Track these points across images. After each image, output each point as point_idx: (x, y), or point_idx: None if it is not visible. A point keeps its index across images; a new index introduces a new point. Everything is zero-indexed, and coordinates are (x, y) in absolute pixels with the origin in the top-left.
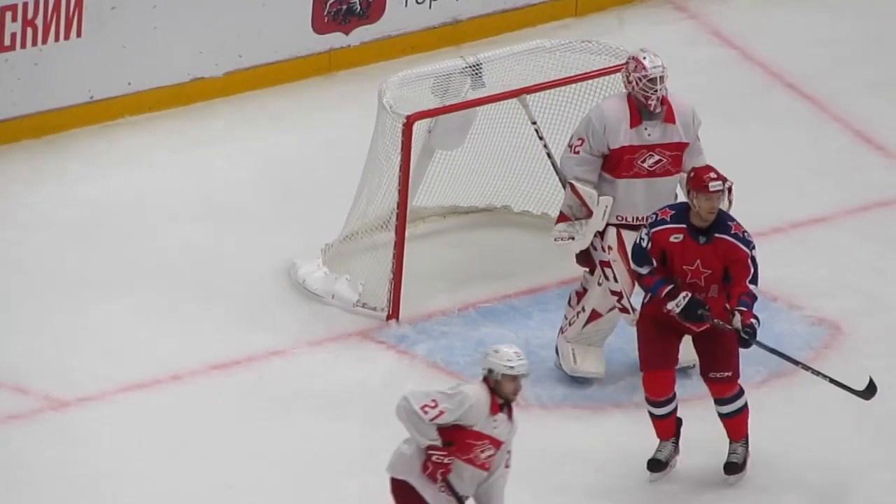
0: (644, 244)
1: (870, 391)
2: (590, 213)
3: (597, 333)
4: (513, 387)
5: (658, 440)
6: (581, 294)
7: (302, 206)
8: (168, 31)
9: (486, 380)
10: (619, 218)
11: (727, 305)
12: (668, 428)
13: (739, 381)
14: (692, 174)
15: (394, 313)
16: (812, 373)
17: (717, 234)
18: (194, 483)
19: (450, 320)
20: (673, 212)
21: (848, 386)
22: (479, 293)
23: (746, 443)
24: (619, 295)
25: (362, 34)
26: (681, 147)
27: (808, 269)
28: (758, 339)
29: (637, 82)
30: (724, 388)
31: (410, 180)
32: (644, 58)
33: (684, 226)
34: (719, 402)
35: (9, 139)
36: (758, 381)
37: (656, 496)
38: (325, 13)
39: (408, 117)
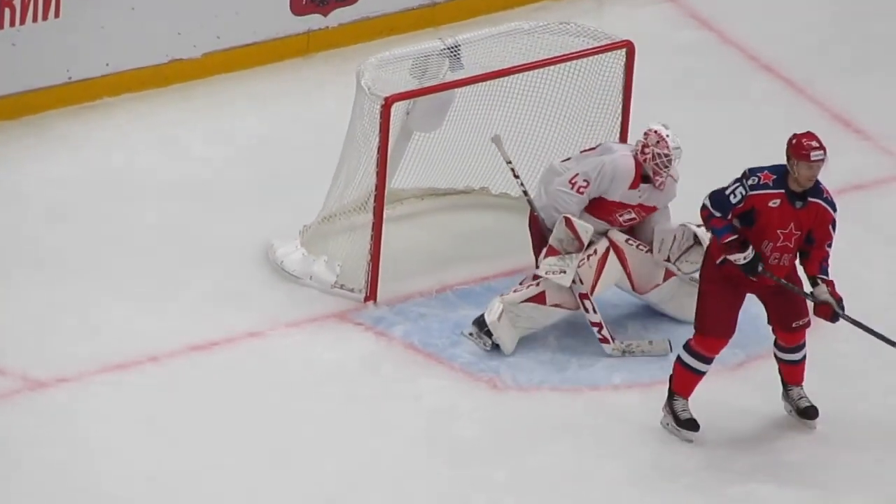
0: (733, 199)
1: None
2: (581, 247)
3: (527, 319)
4: None
5: (679, 399)
6: (538, 277)
7: (280, 188)
8: (146, 12)
9: None
10: None
11: (802, 266)
12: (695, 385)
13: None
14: (793, 140)
15: (371, 295)
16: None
17: (811, 199)
18: (172, 463)
19: (428, 302)
20: (774, 176)
21: None
22: (456, 275)
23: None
24: (599, 325)
25: (340, 16)
26: (654, 209)
27: None
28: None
29: (654, 157)
30: (800, 335)
31: (389, 162)
32: (667, 136)
33: (783, 191)
34: (792, 350)
35: None
36: (734, 365)
37: (635, 476)
38: None
39: (386, 99)
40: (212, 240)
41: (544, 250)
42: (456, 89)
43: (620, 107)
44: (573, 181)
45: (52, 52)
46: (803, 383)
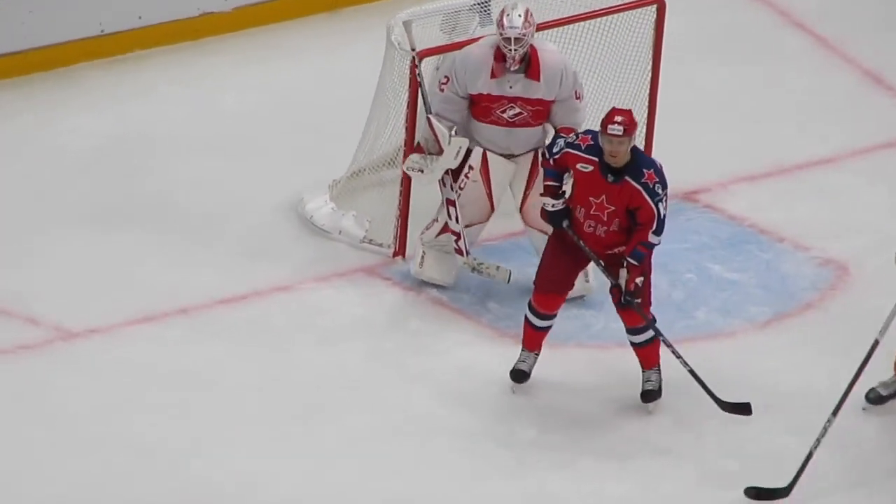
0: (554, 148)
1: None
2: (441, 151)
3: (453, 244)
4: None
5: (522, 351)
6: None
7: (310, 142)
8: None
9: None
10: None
11: (621, 250)
12: (538, 340)
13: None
14: (608, 113)
15: (400, 250)
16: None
17: (627, 178)
18: (200, 415)
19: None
20: (592, 143)
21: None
22: (485, 231)
23: (659, 370)
24: (458, 236)
25: None
26: (543, 103)
27: (815, 210)
28: (632, 300)
29: (499, 36)
30: (633, 316)
31: (418, 117)
32: (506, 15)
33: (596, 159)
34: (630, 331)
35: (20, 72)
36: (761, 322)
37: (658, 431)
38: None
39: (416, 53)
40: (242, 193)
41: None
42: None
43: (650, 64)
44: (438, 79)
45: (84, 5)
46: (656, 367)
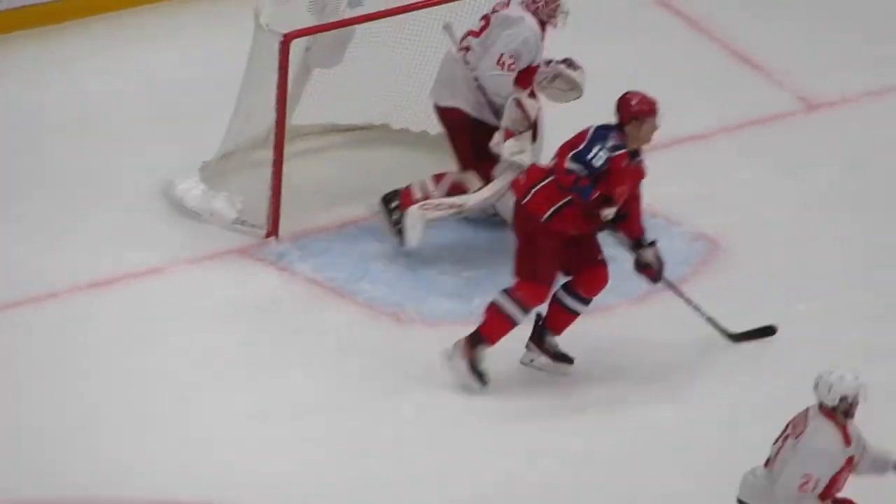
0: (598, 163)
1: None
2: (531, 125)
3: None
4: None
5: (482, 348)
6: (458, 187)
7: (180, 125)
8: None
9: None
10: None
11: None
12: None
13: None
14: (639, 99)
15: (273, 230)
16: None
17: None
18: (70, 403)
19: (330, 237)
20: (618, 140)
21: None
22: (359, 210)
23: None
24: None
25: None
26: None
27: (687, 187)
28: None
29: (546, 4)
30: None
31: (288, 98)
32: None
33: (626, 150)
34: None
35: None
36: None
37: (534, 410)
38: None
39: (285, 36)
40: (111, 176)
41: (497, 136)
42: (355, 25)
43: None
44: (501, 61)
45: None
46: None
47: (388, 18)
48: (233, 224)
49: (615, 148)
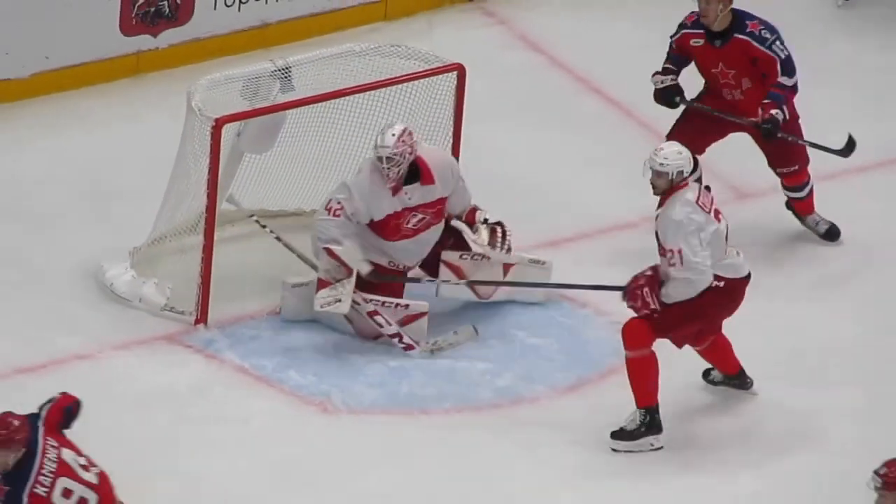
0: (673, 35)
1: (848, 148)
2: (350, 272)
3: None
4: None
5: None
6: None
7: (110, 209)
8: None
9: None
10: (393, 264)
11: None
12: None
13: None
14: None
15: (202, 317)
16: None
17: (735, 35)
18: None
19: (258, 324)
20: (695, 18)
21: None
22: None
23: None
24: (398, 336)
25: (171, 36)
26: (441, 201)
27: (617, 274)
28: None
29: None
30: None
31: (220, 183)
32: (380, 134)
33: (702, 30)
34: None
35: None
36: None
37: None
38: (133, 15)
39: (217, 120)
40: (40, 262)
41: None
42: (287, 111)
43: (452, 129)
44: (328, 207)
45: None
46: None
47: (318, 104)
48: (162, 310)
49: (683, 25)
